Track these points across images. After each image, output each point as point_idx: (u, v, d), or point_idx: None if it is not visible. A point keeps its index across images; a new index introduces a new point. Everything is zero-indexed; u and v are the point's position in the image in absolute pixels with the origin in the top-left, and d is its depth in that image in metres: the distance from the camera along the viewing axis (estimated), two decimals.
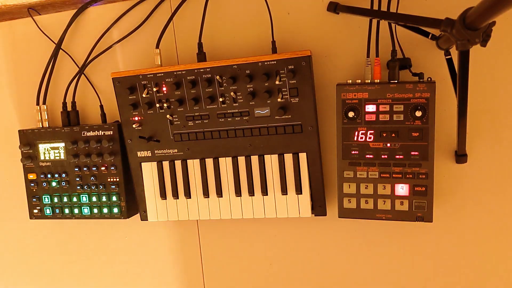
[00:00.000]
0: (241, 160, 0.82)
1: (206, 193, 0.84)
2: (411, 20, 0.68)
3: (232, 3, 0.83)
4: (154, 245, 0.92)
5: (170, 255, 0.93)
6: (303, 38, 0.80)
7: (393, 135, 0.73)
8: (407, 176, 0.73)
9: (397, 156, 0.73)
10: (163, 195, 0.86)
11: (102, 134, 0.87)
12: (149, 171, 0.86)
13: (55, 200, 0.91)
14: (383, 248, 0.82)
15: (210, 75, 0.79)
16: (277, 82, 0.76)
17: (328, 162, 0.82)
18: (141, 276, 0.95)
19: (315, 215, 0.81)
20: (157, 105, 0.82)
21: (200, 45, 0.81)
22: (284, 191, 0.80)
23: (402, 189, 0.73)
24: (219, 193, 0.83)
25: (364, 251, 0.83)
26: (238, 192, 0.82)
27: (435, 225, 0.76)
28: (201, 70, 0.79)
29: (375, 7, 0.74)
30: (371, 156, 0.74)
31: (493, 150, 0.75)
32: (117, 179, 0.87)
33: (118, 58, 0.90)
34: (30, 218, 0.94)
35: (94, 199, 0.89)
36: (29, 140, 0.91)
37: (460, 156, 0.74)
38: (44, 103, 0.93)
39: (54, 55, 0.92)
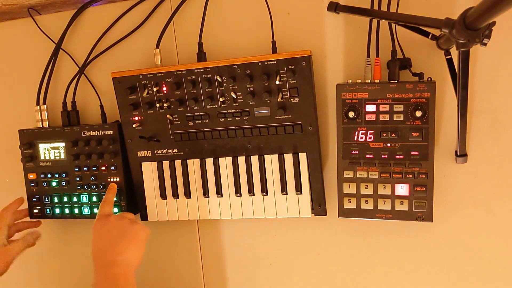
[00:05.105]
0: (241, 160, 0.82)
1: (206, 193, 0.84)
2: (411, 20, 0.68)
3: (232, 3, 0.83)
4: (154, 245, 0.92)
5: (170, 255, 0.93)
6: (303, 38, 0.80)
7: (393, 135, 0.73)
8: (407, 176, 0.73)
9: (397, 156, 0.73)
10: (163, 195, 0.86)
11: (102, 134, 0.87)
12: (149, 171, 0.86)
13: (55, 200, 0.91)
14: (383, 247, 0.82)
15: (210, 75, 0.79)
16: (277, 82, 0.76)
17: (328, 162, 0.82)
18: (140, 275, 0.95)
19: (315, 215, 0.81)
20: (157, 105, 0.82)
21: (200, 45, 0.82)
22: (284, 191, 0.80)
23: (402, 189, 0.74)
24: (219, 193, 0.83)
25: (364, 251, 0.83)
26: (238, 192, 0.82)
27: (435, 225, 0.76)
28: (201, 70, 0.79)
29: (375, 7, 0.74)
30: (371, 156, 0.74)
31: (493, 150, 0.75)
32: (117, 179, 0.87)
33: (118, 58, 0.90)
34: (30, 218, 0.93)
35: (94, 199, 0.89)
36: (29, 140, 0.91)
37: (460, 156, 0.74)
38: (44, 103, 0.93)
39: (54, 55, 0.92)
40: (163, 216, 0.87)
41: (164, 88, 0.81)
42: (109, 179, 0.87)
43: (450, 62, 0.71)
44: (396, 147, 0.73)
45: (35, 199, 0.93)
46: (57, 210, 0.91)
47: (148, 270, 0.95)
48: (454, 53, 0.69)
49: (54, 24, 0.92)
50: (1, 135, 0.99)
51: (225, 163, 0.83)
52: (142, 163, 0.86)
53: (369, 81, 0.73)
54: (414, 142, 0.72)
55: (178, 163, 0.85)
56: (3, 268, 0.82)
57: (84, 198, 0.89)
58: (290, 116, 0.77)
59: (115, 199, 0.85)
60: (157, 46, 0.84)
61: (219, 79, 0.78)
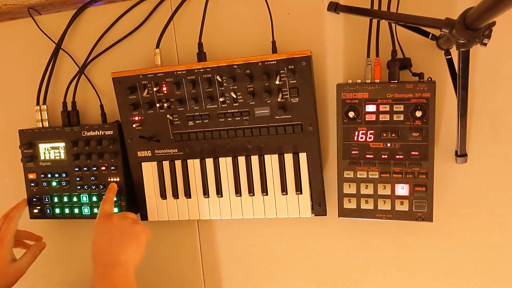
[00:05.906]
0: (241, 160, 0.82)
1: (206, 193, 0.84)
2: (411, 20, 0.68)
3: (232, 3, 0.83)
4: (154, 245, 0.92)
5: (170, 255, 0.93)
6: (303, 38, 0.80)
7: (393, 135, 0.73)
8: (407, 176, 0.73)
9: (397, 156, 0.73)
10: (163, 195, 0.86)
11: (103, 134, 0.87)
12: (149, 171, 0.86)
13: (55, 200, 0.91)
14: (383, 248, 0.82)
15: (210, 75, 0.79)
16: (277, 82, 0.76)
17: (328, 162, 0.82)
18: (140, 276, 0.95)
19: (315, 215, 0.81)
20: (157, 105, 0.82)
21: (200, 45, 0.82)
22: (284, 191, 0.80)
23: (402, 189, 0.74)
24: (219, 193, 0.83)
25: (364, 251, 0.83)
26: (238, 192, 0.82)
27: (435, 225, 0.76)
28: (201, 70, 0.79)
29: (375, 7, 0.74)
30: (371, 156, 0.74)
31: (493, 150, 0.75)
32: (117, 179, 0.87)
33: (118, 58, 0.90)
34: (30, 218, 0.94)
35: (94, 199, 0.89)
36: (29, 140, 0.91)
37: (460, 156, 0.74)
38: (44, 103, 0.93)
39: (54, 55, 0.92)
40: (163, 216, 0.87)
41: (164, 88, 0.81)
42: (109, 179, 0.87)
43: (450, 62, 0.71)
44: (396, 147, 0.73)
45: (35, 199, 0.92)
46: (57, 210, 0.91)
47: (148, 270, 0.95)
48: (454, 53, 0.69)
49: (54, 24, 0.92)
50: (1, 135, 0.99)
51: (225, 163, 0.83)
52: (142, 163, 0.86)
53: (369, 81, 0.73)
54: (414, 142, 0.72)
55: (178, 163, 0.85)
56: (11, 283, 0.80)
57: (84, 198, 0.89)
58: (290, 116, 0.77)
59: (115, 199, 0.85)
60: (157, 46, 0.84)
61: (219, 79, 0.78)
